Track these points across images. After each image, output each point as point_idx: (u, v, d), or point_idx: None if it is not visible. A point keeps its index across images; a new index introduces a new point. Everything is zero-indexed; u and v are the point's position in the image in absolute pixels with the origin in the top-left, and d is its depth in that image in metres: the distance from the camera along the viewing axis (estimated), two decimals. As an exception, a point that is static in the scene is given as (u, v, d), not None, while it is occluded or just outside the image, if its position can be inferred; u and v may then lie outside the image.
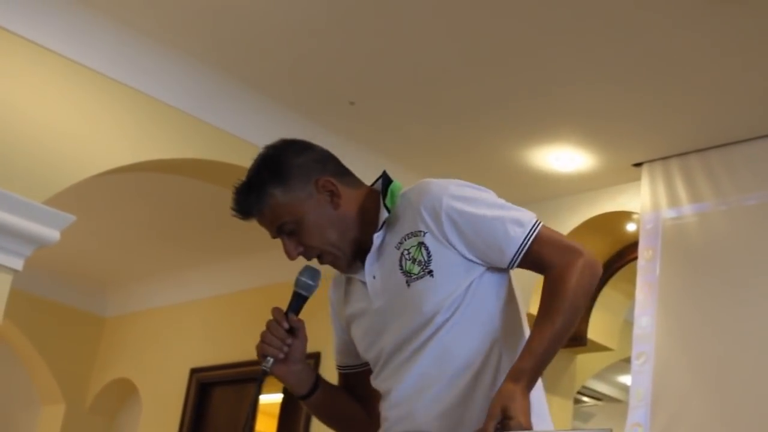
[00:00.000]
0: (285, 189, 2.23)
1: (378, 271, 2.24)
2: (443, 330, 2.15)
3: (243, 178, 2.29)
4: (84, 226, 5.88)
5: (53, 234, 4.87)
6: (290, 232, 2.24)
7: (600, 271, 2.17)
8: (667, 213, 5.86)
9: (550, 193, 6.46)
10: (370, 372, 2.35)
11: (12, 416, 9.05)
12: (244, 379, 7.66)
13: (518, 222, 2.16)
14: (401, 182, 2.32)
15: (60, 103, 5.03)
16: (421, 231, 2.18)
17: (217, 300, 8.22)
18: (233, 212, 2.27)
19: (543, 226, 2.18)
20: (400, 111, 5.75)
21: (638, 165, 6.02)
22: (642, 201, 5.99)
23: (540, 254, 2.15)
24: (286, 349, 2.26)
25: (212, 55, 5.39)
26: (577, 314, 2.11)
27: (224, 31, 5.17)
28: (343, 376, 2.46)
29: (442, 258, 2.16)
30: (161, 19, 5.13)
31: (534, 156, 6.04)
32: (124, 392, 9.00)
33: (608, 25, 4.78)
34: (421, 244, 2.18)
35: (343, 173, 2.32)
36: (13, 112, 4.84)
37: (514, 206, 2.22)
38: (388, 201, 2.25)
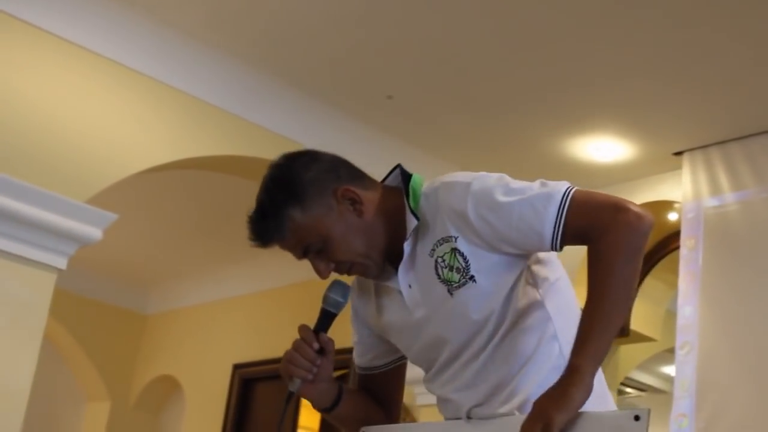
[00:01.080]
0: (303, 208, 2.09)
1: (414, 280, 2.13)
2: (500, 332, 2.07)
3: (251, 210, 2.14)
4: (126, 225, 5.92)
5: (96, 233, 4.90)
6: (318, 251, 2.12)
7: (649, 223, 1.99)
8: (709, 201, 5.82)
9: (590, 183, 6.42)
10: (391, 372, 2.32)
11: (58, 413, 9.13)
12: (287, 375, 7.68)
13: (547, 198, 2.01)
14: (434, 174, 2.24)
15: (101, 103, 5.07)
16: (451, 236, 2.07)
17: (259, 295, 8.26)
18: (252, 242, 2.14)
19: (576, 192, 2.01)
20: (438, 104, 5.75)
21: (679, 154, 5.97)
22: (683, 190, 5.94)
23: (578, 224, 1.99)
24: (315, 370, 2.14)
25: (250, 52, 5.41)
26: (629, 285, 1.96)
27: (262, 29, 5.19)
28: (365, 378, 2.37)
29: (480, 260, 2.06)
30: (200, 18, 5.15)
31: (574, 147, 6.02)
32: (167, 389, 9.07)
33: (647, 14, 4.74)
34: (454, 250, 2.07)
35: (358, 176, 2.19)
36: (54, 112, 4.88)
37: (543, 182, 2.07)
38: (412, 203, 2.13)
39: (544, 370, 2.06)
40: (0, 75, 4.75)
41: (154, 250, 8.35)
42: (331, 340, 2.16)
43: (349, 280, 2.22)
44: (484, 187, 2.06)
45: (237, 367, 8.22)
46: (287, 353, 2.15)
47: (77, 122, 4.96)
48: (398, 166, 2.23)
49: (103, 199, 5.05)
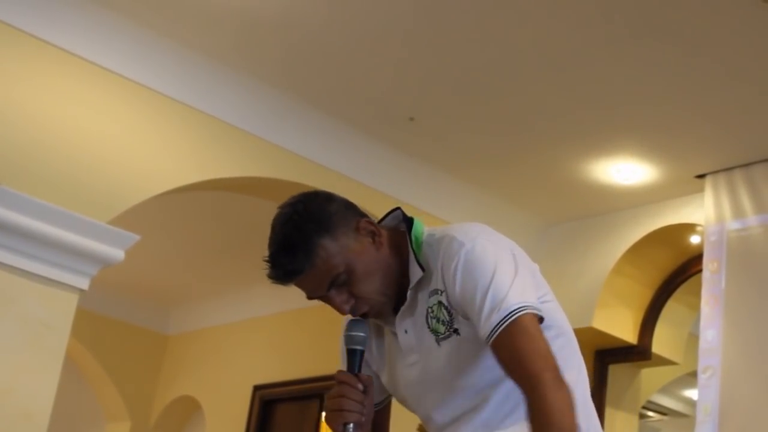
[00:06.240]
0: (333, 237, 2.08)
1: (410, 325, 2.15)
2: (489, 384, 2.09)
3: (271, 246, 2.10)
4: (148, 245, 5.94)
5: (118, 253, 4.92)
6: (341, 284, 2.10)
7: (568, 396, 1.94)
8: (732, 224, 5.79)
9: (612, 206, 6.42)
10: (383, 410, 2.32)
11: (78, 434, 9.15)
12: (307, 396, 7.69)
13: (497, 305, 1.99)
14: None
15: (124, 123, 5.10)
16: (438, 290, 2.10)
17: (280, 317, 8.26)
18: (274, 279, 2.10)
19: (518, 320, 1.97)
20: (460, 124, 5.75)
21: (701, 176, 5.95)
22: (705, 213, 5.92)
23: (502, 361, 1.99)
24: (364, 410, 2.11)
25: (274, 74, 5.43)
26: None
27: (286, 52, 5.21)
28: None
29: (461, 316, 2.08)
30: (225, 40, 5.18)
31: (595, 169, 6.01)
32: (188, 409, 9.07)
33: (670, 37, 4.74)
34: (440, 303, 2.09)
35: (367, 216, 2.19)
36: (78, 133, 4.91)
37: (514, 282, 2.02)
38: (416, 249, 2.15)
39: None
40: (24, 96, 4.79)
41: (175, 271, 8.37)
42: (370, 378, 2.16)
43: None
44: (472, 258, 2.05)
45: (257, 389, 8.22)
46: (334, 403, 2.11)
47: (101, 143, 4.99)
48: (398, 208, 2.25)
49: (126, 220, 5.07)
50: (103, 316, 8.80)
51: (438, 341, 2.11)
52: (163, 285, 8.71)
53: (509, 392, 2.07)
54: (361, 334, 2.14)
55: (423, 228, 2.20)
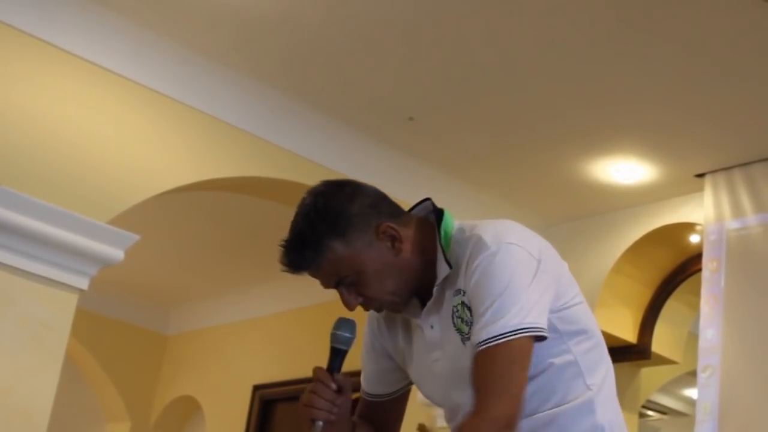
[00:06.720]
0: (345, 241, 2.08)
1: (436, 321, 2.15)
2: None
3: (288, 233, 2.12)
4: (147, 245, 5.93)
5: (117, 253, 4.92)
6: (349, 284, 2.12)
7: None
8: (731, 224, 5.79)
9: (611, 205, 6.42)
10: (399, 398, 2.33)
11: (78, 434, 9.15)
12: (307, 396, 7.67)
13: (494, 321, 1.98)
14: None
15: (123, 123, 5.10)
16: (462, 290, 2.09)
17: (279, 317, 8.26)
18: (284, 268, 2.11)
19: (507, 343, 1.96)
20: (459, 124, 5.75)
21: (701, 176, 5.95)
22: (705, 212, 5.92)
23: (475, 373, 1.99)
24: (336, 410, 2.11)
25: (274, 74, 5.43)
26: None
27: (285, 51, 5.21)
28: (370, 404, 2.35)
29: None
30: (224, 40, 5.18)
31: (595, 168, 6.01)
32: (187, 410, 9.07)
33: (670, 37, 4.74)
34: (463, 303, 2.08)
35: (397, 213, 2.17)
36: (77, 133, 4.91)
37: (522, 298, 1.99)
38: (444, 245, 2.13)
39: (575, 414, 2.08)
40: (24, 96, 4.79)
41: (175, 271, 8.37)
42: (347, 378, 2.15)
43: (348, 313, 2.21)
44: (494, 265, 2.03)
45: (257, 388, 8.22)
46: (305, 397, 2.12)
47: (100, 143, 4.99)
48: (428, 199, 2.24)
49: (126, 219, 5.07)
50: (103, 316, 8.80)
51: (463, 341, 2.09)
52: (163, 285, 8.71)
53: (533, 393, 2.06)
54: (347, 334, 2.13)
55: (453, 222, 2.18)
